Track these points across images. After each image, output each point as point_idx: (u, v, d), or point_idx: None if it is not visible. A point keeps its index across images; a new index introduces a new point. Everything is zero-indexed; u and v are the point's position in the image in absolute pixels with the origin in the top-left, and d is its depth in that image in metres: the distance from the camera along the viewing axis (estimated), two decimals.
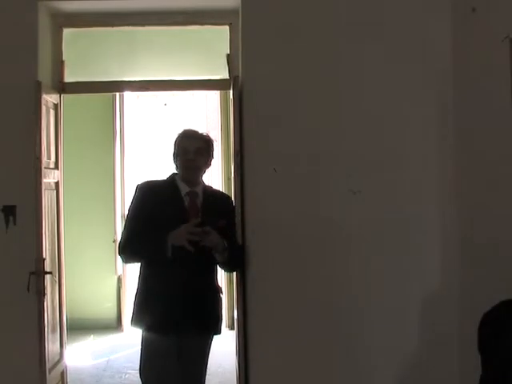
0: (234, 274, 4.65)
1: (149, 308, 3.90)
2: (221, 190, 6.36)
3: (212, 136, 4.34)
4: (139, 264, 4.03)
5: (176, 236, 3.74)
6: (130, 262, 4.00)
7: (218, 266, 4.11)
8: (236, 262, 4.17)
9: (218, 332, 4.06)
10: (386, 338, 4.45)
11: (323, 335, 4.46)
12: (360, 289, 4.48)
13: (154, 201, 3.91)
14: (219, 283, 4.15)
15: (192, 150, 3.94)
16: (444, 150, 4.48)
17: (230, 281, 7.57)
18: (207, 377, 6.01)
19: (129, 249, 3.93)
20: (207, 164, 4.06)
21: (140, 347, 3.99)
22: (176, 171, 4.08)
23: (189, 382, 3.99)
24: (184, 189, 3.96)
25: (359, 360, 4.49)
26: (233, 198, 4.44)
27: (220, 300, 4.10)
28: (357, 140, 4.49)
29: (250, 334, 4.48)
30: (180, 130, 4.13)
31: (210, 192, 4.11)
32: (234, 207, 4.25)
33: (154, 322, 3.85)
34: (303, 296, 4.47)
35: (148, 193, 3.96)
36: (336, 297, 4.47)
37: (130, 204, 4.04)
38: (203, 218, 3.87)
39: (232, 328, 6.85)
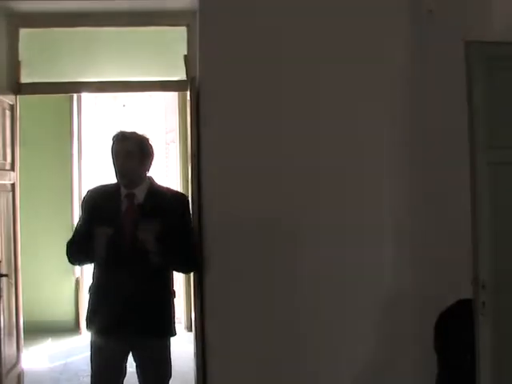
0: (192, 275, 4.66)
1: (96, 313, 3.94)
2: (177, 189, 6.25)
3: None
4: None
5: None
6: (74, 263, 4.08)
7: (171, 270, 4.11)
8: (181, 263, 4.09)
9: (170, 334, 4.04)
10: (344, 339, 4.48)
11: (282, 336, 4.48)
12: (319, 290, 4.50)
13: (95, 205, 3.99)
14: (173, 286, 4.12)
15: (122, 154, 3.93)
16: (399, 150, 4.52)
17: (187, 283, 7.54)
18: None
19: (69, 250, 4.08)
20: (143, 164, 4.01)
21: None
22: None
23: None
24: (123, 191, 3.98)
25: (318, 362, 4.51)
26: (190, 199, 4.40)
27: (170, 303, 4.06)
28: (316, 143, 4.51)
29: (208, 336, 4.48)
30: (114, 133, 4.08)
31: (156, 191, 4.05)
32: (186, 205, 4.18)
33: (101, 326, 3.90)
34: (262, 297, 4.48)
35: (91, 197, 4.06)
36: (295, 298, 4.49)
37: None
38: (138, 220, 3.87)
39: (190, 330, 6.84)
